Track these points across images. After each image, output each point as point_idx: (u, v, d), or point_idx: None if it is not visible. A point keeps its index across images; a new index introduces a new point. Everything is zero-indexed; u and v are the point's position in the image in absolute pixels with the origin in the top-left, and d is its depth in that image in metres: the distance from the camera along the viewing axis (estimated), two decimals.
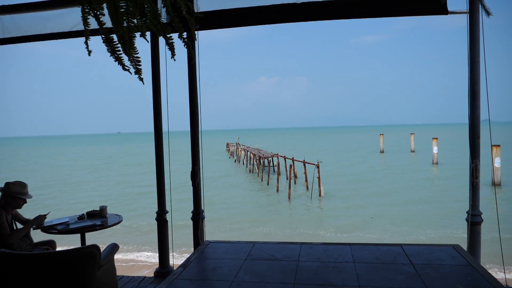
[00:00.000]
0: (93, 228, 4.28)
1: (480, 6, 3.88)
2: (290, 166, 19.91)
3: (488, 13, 3.92)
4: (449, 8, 4.05)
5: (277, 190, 19.95)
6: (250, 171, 29.62)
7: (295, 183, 21.83)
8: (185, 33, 2.43)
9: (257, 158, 27.42)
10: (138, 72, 2.02)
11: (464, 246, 3.67)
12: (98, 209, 4.77)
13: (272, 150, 33.36)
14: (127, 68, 1.98)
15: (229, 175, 28.21)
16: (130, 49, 1.93)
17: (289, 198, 17.83)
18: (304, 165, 20.48)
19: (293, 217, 14.56)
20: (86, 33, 2.00)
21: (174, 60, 2.41)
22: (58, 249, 4.00)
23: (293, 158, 21.95)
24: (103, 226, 4.32)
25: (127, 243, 11.22)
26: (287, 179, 19.89)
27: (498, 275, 7.48)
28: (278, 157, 24.89)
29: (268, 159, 25.92)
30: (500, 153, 19.50)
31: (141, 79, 2.07)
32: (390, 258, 3.10)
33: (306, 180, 20.10)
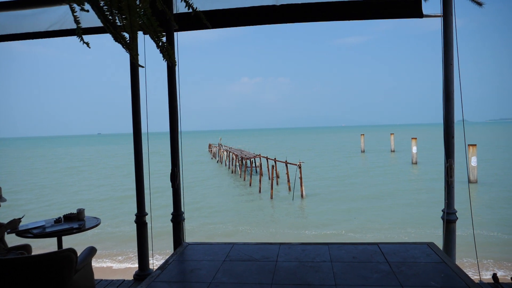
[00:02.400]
0: (70, 231, 4.20)
1: (453, 9, 3.98)
2: (272, 166, 19.97)
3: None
4: (424, 12, 4.15)
5: (260, 191, 19.98)
6: (232, 172, 29.59)
7: (277, 183, 21.92)
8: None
9: (240, 159, 27.42)
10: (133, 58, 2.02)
11: (442, 244, 3.76)
12: (75, 212, 4.69)
13: (254, 151, 33.40)
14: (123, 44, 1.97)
15: (211, 176, 28.11)
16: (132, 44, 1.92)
17: (271, 198, 17.89)
18: (286, 165, 20.58)
19: (275, 218, 14.61)
20: (78, 27, 1.96)
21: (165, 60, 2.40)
22: (34, 253, 3.91)
23: (275, 158, 22.03)
24: (81, 229, 4.25)
25: (106, 247, 11.05)
26: (269, 179, 19.96)
27: (474, 269, 7.69)
28: (260, 158, 24.94)
29: (250, 160, 25.94)
30: (476, 153, 20.03)
31: (139, 65, 2.06)
32: (366, 257, 3.16)
33: (288, 181, 20.20)
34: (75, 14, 1.92)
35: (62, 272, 3.10)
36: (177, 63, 4.52)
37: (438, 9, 4.09)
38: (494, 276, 3.66)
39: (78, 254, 3.51)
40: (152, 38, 2.09)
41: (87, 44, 1.95)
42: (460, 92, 3.97)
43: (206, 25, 4.64)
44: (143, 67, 2.20)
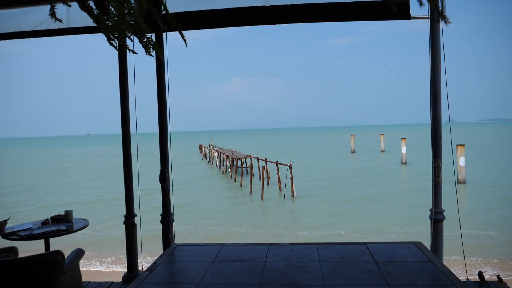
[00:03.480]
0: (57, 233, 4.16)
1: (440, 11, 4.03)
2: (263, 167, 19.97)
3: (445, 21, 4.04)
4: (412, 14, 4.20)
5: (250, 192, 19.99)
6: (223, 172, 29.55)
7: (268, 184, 21.95)
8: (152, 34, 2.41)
9: (231, 159, 27.39)
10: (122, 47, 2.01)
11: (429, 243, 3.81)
12: (63, 213, 4.64)
13: (245, 152, 33.38)
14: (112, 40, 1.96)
15: (202, 177, 28.05)
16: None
17: (262, 199, 17.91)
18: (277, 166, 20.61)
19: (266, 218, 14.63)
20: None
21: (152, 55, 2.38)
22: (20, 256, 3.87)
23: (266, 159, 22.05)
24: (68, 231, 4.21)
25: (96, 248, 10.96)
26: (260, 180, 19.97)
27: (462, 268, 7.79)
28: (251, 158, 24.96)
29: (241, 161, 25.95)
30: (464, 153, 20.27)
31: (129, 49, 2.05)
32: (354, 257, 3.18)
33: (279, 181, 20.24)
34: (55, 9, 1.90)
35: (49, 274, 3.07)
36: (165, 64, 4.52)
37: (425, 11, 4.14)
38: (480, 274, 3.72)
39: (66, 256, 3.48)
40: (135, 34, 2.08)
41: (60, 20, 1.93)
42: (446, 93, 4.03)
43: (196, 26, 4.67)
44: (136, 53, 2.18)
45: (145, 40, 2.08)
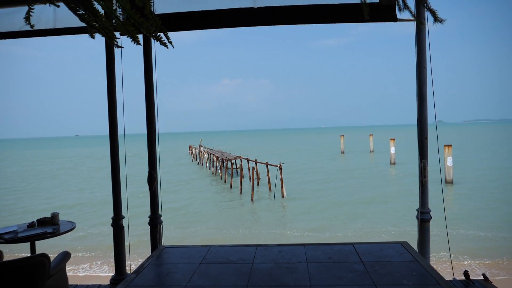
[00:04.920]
0: (43, 236, 4.11)
1: (426, 14, 4.08)
2: (253, 168, 19.98)
3: (439, 20, 4.07)
4: (398, 16, 4.24)
5: (240, 192, 19.98)
6: (213, 173, 29.49)
7: (258, 185, 21.97)
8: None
9: (220, 160, 27.34)
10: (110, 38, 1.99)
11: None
12: (49, 216, 4.59)
13: (235, 153, 33.36)
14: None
15: (192, 178, 27.94)
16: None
17: (252, 200, 17.91)
18: (267, 167, 20.63)
19: (255, 219, 14.63)
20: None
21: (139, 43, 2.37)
22: (5, 259, 3.81)
23: (255, 160, 22.07)
24: (55, 233, 4.16)
25: (84, 251, 10.85)
26: (250, 181, 19.98)
27: (450, 266, 7.88)
28: (241, 159, 24.92)
29: (231, 162, 25.93)
30: (452, 153, 20.52)
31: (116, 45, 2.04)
32: (341, 257, 3.20)
33: (269, 182, 20.27)
34: (32, 13, 1.89)
35: (34, 278, 3.03)
36: (153, 65, 4.51)
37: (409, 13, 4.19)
38: (466, 273, 3.77)
39: (52, 259, 3.44)
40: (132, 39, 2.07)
41: (32, 26, 1.92)
42: (433, 94, 4.08)
43: (184, 27, 4.66)
44: (122, 47, 2.17)
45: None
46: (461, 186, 19.65)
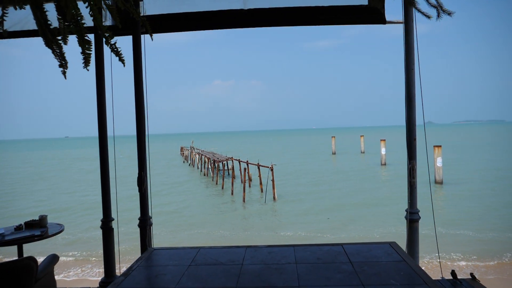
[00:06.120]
0: (31, 239, 4.07)
1: (414, 16, 4.12)
2: (245, 169, 19.98)
3: (427, 17, 4.09)
4: (387, 19, 4.29)
5: (232, 194, 19.96)
6: (204, 175, 29.41)
7: (249, 186, 21.97)
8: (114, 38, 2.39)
9: (212, 162, 27.28)
10: (62, 66, 1.96)
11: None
12: (37, 218, 4.54)
13: (227, 154, 33.32)
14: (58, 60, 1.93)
15: (183, 180, 27.83)
16: (55, 45, 1.86)
17: (243, 201, 17.89)
18: (259, 168, 20.65)
19: (247, 221, 14.62)
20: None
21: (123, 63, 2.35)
22: None
23: (247, 161, 22.06)
24: (43, 236, 4.12)
25: (74, 254, 10.74)
26: (241, 182, 19.98)
27: (441, 266, 7.95)
28: (232, 161, 24.89)
29: (223, 163, 25.89)
30: (441, 153, 20.72)
31: (64, 73, 2.01)
32: (330, 258, 3.22)
33: (261, 183, 20.28)
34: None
35: (21, 281, 3.01)
36: (143, 65, 4.49)
37: (400, 16, 4.24)
38: (453, 272, 3.81)
39: (39, 263, 3.41)
40: (79, 43, 2.05)
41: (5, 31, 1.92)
42: (421, 95, 4.12)
43: (174, 28, 4.66)
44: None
45: (111, 46, 2.07)
46: (451, 187, 19.85)
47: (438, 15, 3.76)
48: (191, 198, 20.02)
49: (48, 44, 1.84)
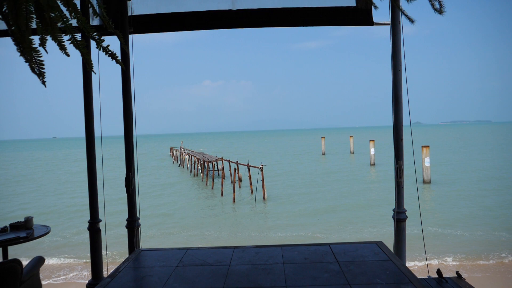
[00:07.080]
0: (16, 241, 4.02)
1: (401, 18, 4.17)
2: (234, 170, 19.97)
3: (411, 21, 4.15)
4: (375, 20, 4.33)
5: (222, 194, 19.93)
6: (194, 175, 29.32)
7: (239, 186, 21.96)
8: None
9: (202, 162, 27.21)
10: (41, 75, 1.91)
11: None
12: (23, 220, 4.49)
13: (217, 154, 33.26)
14: (35, 70, 1.87)
15: (173, 180, 27.71)
16: (30, 51, 1.81)
17: (233, 201, 17.88)
18: (248, 168, 20.66)
19: (237, 221, 14.61)
20: None
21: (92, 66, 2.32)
22: None
23: (237, 161, 22.06)
24: (28, 238, 4.08)
25: (62, 256, 10.61)
26: (231, 183, 19.98)
27: (427, 264, 8.04)
28: (222, 161, 24.85)
29: (212, 163, 25.85)
30: (429, 153, 20.96)
31: (44, 83, 1.96)
32: (317, 258, 3.24)
33: (251, 184, 20.29)
34: None
35: (6, 284, 2.96)
36: (131, 66, 4.46)
37: (387, 17, 4.29)
38: (438, 271, 3.86)
39: (24, 265, 3.36)
40: (74, 45, 2.01)
41: None
42: (407, 96, 4.17)
43: (162, 28, 4.64)
44: (44, 82, 2.07)
45: (102, 47, 2.05)
46: (439, 186, 20.09)
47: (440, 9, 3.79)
48: (180, 199, 19.93)
49: (27, 51, 1.78)
